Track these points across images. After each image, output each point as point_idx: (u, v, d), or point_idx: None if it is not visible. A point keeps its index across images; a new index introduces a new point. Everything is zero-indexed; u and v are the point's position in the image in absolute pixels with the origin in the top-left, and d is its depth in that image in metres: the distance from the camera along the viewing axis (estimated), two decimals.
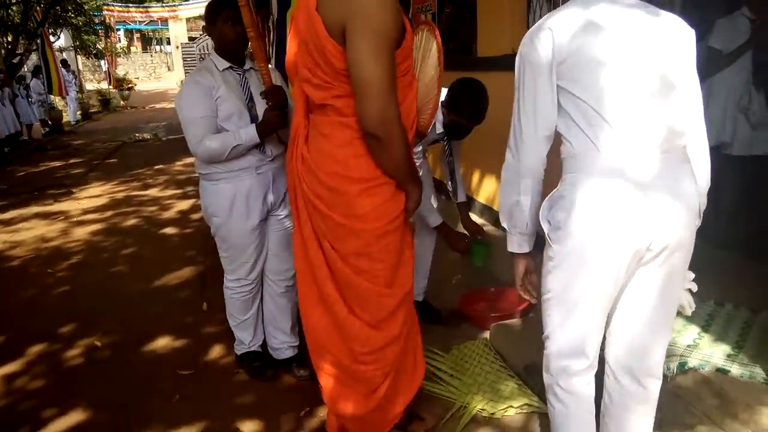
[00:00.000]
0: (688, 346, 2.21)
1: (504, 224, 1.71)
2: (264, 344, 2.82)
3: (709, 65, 3.27)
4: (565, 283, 1.55)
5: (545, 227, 1.58)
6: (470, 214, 4.04)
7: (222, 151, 2.33)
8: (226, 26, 2.35)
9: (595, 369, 1.66)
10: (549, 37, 1.48)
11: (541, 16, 3.35)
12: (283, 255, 2.60)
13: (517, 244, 1.70)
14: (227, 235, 2.52)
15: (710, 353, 2.15)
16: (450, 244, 2.84)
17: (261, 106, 2.40)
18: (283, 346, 2.76)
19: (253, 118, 2.41)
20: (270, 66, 2.42)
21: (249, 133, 2.33)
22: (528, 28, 3.46)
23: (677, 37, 1.52)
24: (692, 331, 2.31)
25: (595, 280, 1.51)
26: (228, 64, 2.42)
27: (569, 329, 1.60)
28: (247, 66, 2.48)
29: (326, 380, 1.96)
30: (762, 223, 3.47)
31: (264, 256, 2.62)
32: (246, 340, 2.77)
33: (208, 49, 24.72)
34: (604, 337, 1.67)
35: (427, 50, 1.96)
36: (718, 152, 3.33)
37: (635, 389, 1.66)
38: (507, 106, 3.37)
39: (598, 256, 1.48)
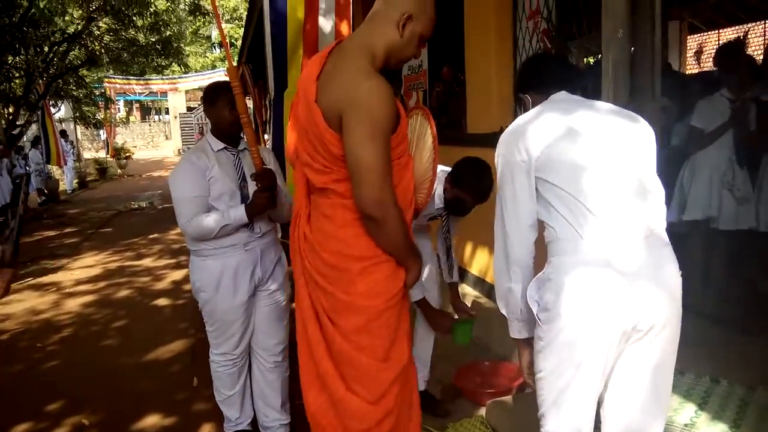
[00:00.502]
0: (686, 425, 2.19)
1: (502, 311, 1.75)
2: (255, 422, 2.76)
3: (692, 143, 3.41)
4: (556, 363, 1.58)
5: (534, 308, 1.61)
6: (464, 284, 4.06)
7: (211, 230, 2.37)
8: (226, 110, 2.42)
9: None
10: (521, 136, 1.59)
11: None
12: (271, 330, 2.61)
13: (517, 330, 1.73)
14: (213, 310, 2.52)
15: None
16: (430, 323, 2.82)
17: (253, 186, 2.44)
18: (274, 424, 2.70)
19: (245, 198, 2.46)
20: (267, 146, 2.50)
21: (238, 214, 2.38)
22: (515, 108, 3.64)
23: (646, 138, 1.63)
24: (689, 410, 2.30)
25: (584, 362, 1.53)
26: (223, 145, 2.49)
27: (563, 409, 1.61)
28: (241, 147, 2.54)
29: None
30: (751, 298, 3.50)
31: (251, 331, 2.61)
32: (233, 417, 2.71)
33: (204, 119, 25.30)
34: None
35: (422, 133, 2.07)
36: (706, 226, 3.41)
37: None
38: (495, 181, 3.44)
39: (586, 338, 1.51)
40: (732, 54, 3.41)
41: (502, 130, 3.63)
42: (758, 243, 3.47)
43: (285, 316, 2.67)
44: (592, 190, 1.53)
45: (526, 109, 1.75)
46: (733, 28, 9.02)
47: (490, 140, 3.54)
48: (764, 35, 7.89)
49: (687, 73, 6.80)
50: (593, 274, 1.50)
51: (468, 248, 4.26)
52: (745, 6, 8.21)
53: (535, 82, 1.76)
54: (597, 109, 1.65)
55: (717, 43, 9.22)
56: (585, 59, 3.75)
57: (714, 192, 3.30)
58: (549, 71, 1.76)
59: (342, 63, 1.69)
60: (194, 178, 2.41)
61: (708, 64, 7.92)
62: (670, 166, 3.85)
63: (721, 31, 9.30)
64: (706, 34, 9.58)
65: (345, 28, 3.36)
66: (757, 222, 3.33)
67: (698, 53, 9.76)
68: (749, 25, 8.63)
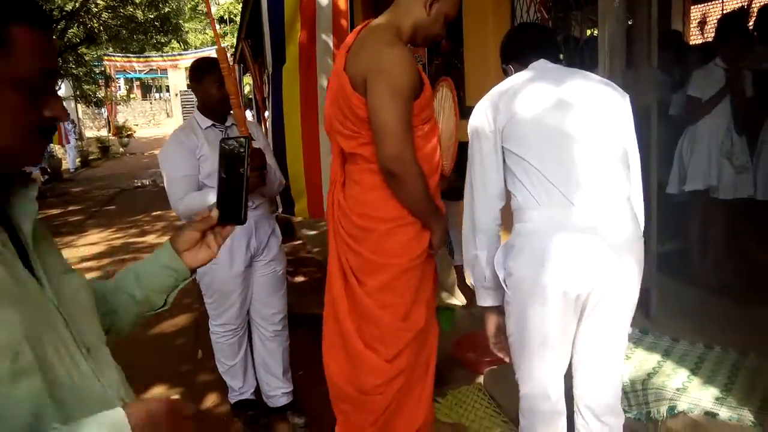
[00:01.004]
0: (678, 389, 2.23)
1: (469, 280, 1.81)
2: (258, 392, 2.82)
3: (690, 113, 3.40)
4: (520, 325, 1.66)
5: (500, 274, 1.68)
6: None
7: (200, 209, 2.35)
8: (213, 87, 2.42)
9: (564, 414, 1.72)
10: (492, 106, 1.64)
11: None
12: (269, 300, 2.67)
13: (483, 298, 1.80)
14: (212, 282, 2.56)
15: (699, 397, 2.17)
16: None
17: None
18: (276, 392, 2.77)
19: None
20: (261, 124, 2.53)
21: None
22: None
23: (614, 102, 1.65)
24: (681, 375, 2.34)
25: (541, 322, 1.60)
26: (210, 122, 2.49)
27: (532, 370, 1.70)
28: (228, 123, 2.54)
29: (337, 415, 2.11)
30: (746, 268, 3.53)
31: (249, 300, 2.66)
32: (236, 387, 2.78)
33: None
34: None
35: (446, 101, 2.26)
36: (706, 196, 3.43)
37: (598, 426, 1.73)
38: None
39: (541, 298, 1.57)
40: (727, 25, 3.40)
41: None
42: (754, 212, 3.48)
43: (282, 286, 2.73)
44: (551, 152, 1.57)
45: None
46: None
47: None
48: None
49: (690, 43, 6.74)
50: (548, 238, 1.55)
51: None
52: None
53: (516, 52, 1.81)
54: (570, 78, 1.67)
55: (721, 12, 9.11)
56: (588, 31, 3.71)
57: (713, 161, 3.31)
58: (528, 40, 1.80)
59: (369, 36, 1.86)
60: (183, 157, 2.43)
61: (711, 35, 7.85)
62: (670, 136, 3.86)
63: (724, 0, 9.18)
64: (710, 3, 9.47)
65: (342, 3, 3.35)
66: (754, 190, 3.34)
67: (702, 23, 9.65)
68: None
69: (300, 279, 4.87)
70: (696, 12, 9.54)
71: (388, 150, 1.76)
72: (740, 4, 8.67)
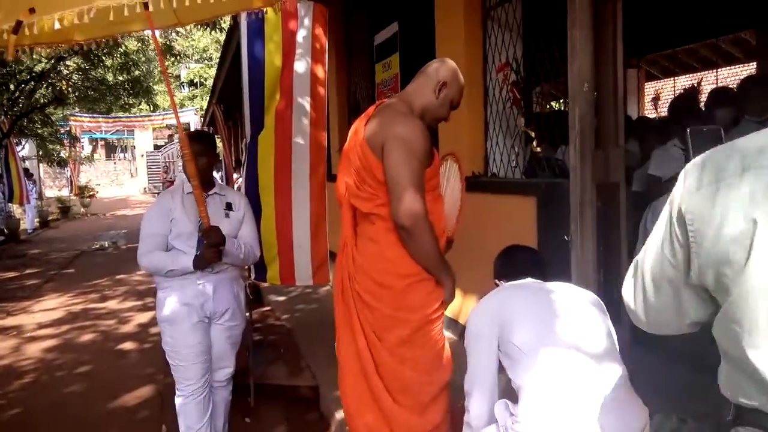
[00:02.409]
0: None
1: None
2: None
3: (651, 190, 3.56)
4: None
5: None
6: (447, 332, 4.08)
7: (160, 269, 2.59)
8: (198, 161, 2.59)
9: None
10: (489, 321, 1.77)
11: (497, 143, 3.62)
12: (222, 355, 2.83)
13: None
14: (171, 339, 2.69)
15: None
16: None
17: (223, 228, 2.63)
18: None
19: (201, 239, 2.62)
20: (239, 188, 2.61)
21: (183, 263, 2.56)
22: (486, 153, 3.76)
23: (599, 316, 1.80)
24: None
25: None
26: (191, 189, 2.63)
27: None
28: (213, 191, 2.73)
29: None
30: (710, 335, 3.61)
31: (210, 359, 2.78)
32: None
33: (173, 158, 25.10)
34: None
35: (452, 172, 2.48)
36: None
37: None
38: (469, 225, 3.53)
39: None
40: (680, 107, 3.63)
41: (473, 175, 3.75)
42: None
43: (237, 346, 2.89)
44: (538, 370, 1.66)
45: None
46: (687, 76, 9.50)
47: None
48: (716, 83, 8.32)
49: (649, 119, 7.11)
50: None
51: None
52: (698, 56, 8.69)
53: (508, 274, 1.98)
54: (555, 292, 1.82)
55: (673, 89, 9.68)
56: (548, 106, 3.91)
57: None
58: (518, 266, 1.97)
59: (386, 110, 2.08)
60: (158, 217, 2.65)
61: (664, 110, 8.31)
62: (634, 209, 4.01)
63: (676, 78, 9.77)
64: (662, 81, 10.06)
65: (320, 72, 3.45)
66: None
67: (655, 99, 10.23)
68: (702, 74, 9.11)
69: (268, 347, 4.75)
70: (649, 89, 10.12)
71: (403, 205, 1.91)
72: (691, 82, 9.24)
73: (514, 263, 1.98)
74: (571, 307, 1.75)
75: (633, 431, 1.69)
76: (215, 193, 2.74)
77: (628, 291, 1.14)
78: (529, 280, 1.92)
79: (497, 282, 2.01)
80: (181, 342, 2.67)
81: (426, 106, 2.12)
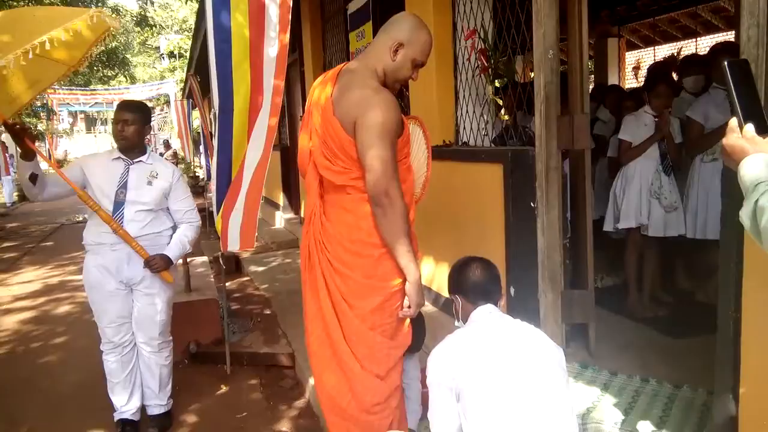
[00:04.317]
0: (615, 423, 2.30)
1: None
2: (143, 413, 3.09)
3: (622, 155, 3.59)
4: None
5: None
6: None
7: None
8: (115, 127, 2.91)
9: None
10: (449, 370, 1.76)
11: (467, 112, 3.62)
12: (146, 325, 2.97)
13: None
14: (92, 301, 2.93)
15: (636, 429, 2.25)
16: None
17: (133, 194, 2.86)
18: (150, 403, 3.09)
19: (118, 204, 2.84)
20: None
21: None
22: (456, 123, 3.75)
23: (554, 362, 1.79)
24: (619, 409, 2.41)
25: None
26: (118, 155, 2.92)
27: None
28: (138, 159, 2.94)
29: (331, 427, 2.20)
30: (680, 302, 3.70)
31: (129, 324, 2.95)
32: (118, 405, 3.00)
33: (154, 130, 24.76)
34: None
35: (416, 137, 2.41)
36: (638, 233, 3.60)
37: None
38: (440, 193, 3.55)
39: None
40: (654, 74, 3.65)
41: (444, 143, 3.74)
42: (686, 249, 3.67)
43: (158, 315, 2.98)
44: (497, 423, 1.66)
45: (456, 311, 1.98)
46: (668, 45, 9.50)
47: (433, 154, 3.65)
48: (696, 52, 8.33)
49: (625, 88, 7.13)
50: None
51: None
52: (679, 25, 8.68)
53: (464, 290, 1.95)
54: (514, 335, 1.82)
55: (653, 58, 9.68)
56: (532, 72, 3.88)
57: (644, 200, 3.49)
58: (475, 282, 1.93)
59: (353, 81, 2.00)
60: (82, 164, 2.94)
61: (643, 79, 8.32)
62: (608, 176, 4.06)
63: (657, 47, 9.76)
64: (643, 50, 10.05)
65: (285, 39, 3.38)
66: (685, 229, 3.52)
67: (636, 68, 10.22)
68: (683, 43, 9.12)
69: (245, 316, 4.78)
70: (630, 58, 10.11)
71: (378, 182, 1.90)
72: (671, 52, 9.25)
73: (470, 284, 1.94)
74: (524, 373, 1.73)
75: None
76: (140, 161, 2.93)
77: None
78: (485, 312, 1.89)
79: (455, 297, 1.98)
80: (98, 306, 2.91)
81: (385, 69, 2.06)
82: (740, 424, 1.84)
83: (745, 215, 1.07)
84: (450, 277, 2.03)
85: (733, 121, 1.17)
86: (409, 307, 2.04)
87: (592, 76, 8.83)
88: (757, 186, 1.06)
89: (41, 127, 19.67)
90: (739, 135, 1.15)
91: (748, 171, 1.10)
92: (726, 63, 1.19)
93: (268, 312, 4.87)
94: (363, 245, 2.03)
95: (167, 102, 22.41)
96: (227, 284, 5.58)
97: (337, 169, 2.03)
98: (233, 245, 3.47)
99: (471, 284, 1.93)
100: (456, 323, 2.00)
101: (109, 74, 16.95)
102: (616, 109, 4.49)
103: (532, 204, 2.87)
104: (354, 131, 1.95)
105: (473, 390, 1.70)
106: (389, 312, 2.06)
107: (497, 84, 3.51)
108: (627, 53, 9.71)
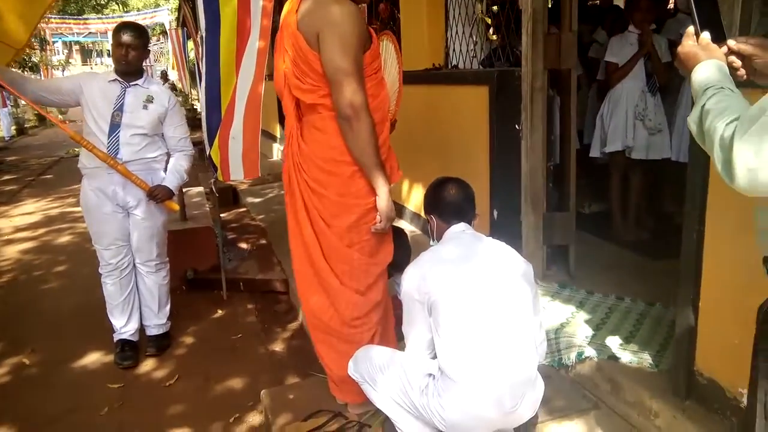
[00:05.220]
0: (586, 337, 2.40)
1: None
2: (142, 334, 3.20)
3: (608, 77, 3.55)
4: None
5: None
6: (402, 220, 4.17)
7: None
8: (115, 49, 2.88)
9: None
10: (422, 285, 1.80)
11: (456, 34, 3.55)
12: (142, 246, 3.05)
13: None
14: (89, 224, 3.01)
15: (605, 343, 2.34)
16: None
17: (129, 117, 2.86)
18: (149, 323, 3.19)
19: (113, 127, 2.85)
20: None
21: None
22: (446, 45, 3.69)
23: (524, 279, 1.84)
24: (591, 324, 2.50)
25: None
26: (115, 77, 2.90)
27: None
28: (135, 82, 2.91)
29: (322, 347, 2.29)
30: (662, 225, 3.74)
31: (126, 247, 3.03)
32: (117, 326, 3.10)
33: (150, 61, 24.24)
34: None
35: (389, 52, 2.45)
36: (623, 156, 3.60)
37: None
38: (428, 117, 3.55)
39: None
40: None
41: (434, 67, 3.70)
42: (671, 172, 3.67)
43: (154, 237, 3.07)
44: (466, 331, 1.73)
45: (431, 230, 2.03)
46: None
47: (422, 77, 3.62)
48: None
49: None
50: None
51: (405, 185, 4.37)
52: None
53: (438, 209, 1.98)
54: (484, 251, 1.87)
55: None
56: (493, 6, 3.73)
57: (629, 123, 3.47)
58: (449, 202, 1.96)
59: None
60: (81, 79, 2.97)
61: None
62: (598, 99, 4.01)
63: None
64: None
65: None
66: (670, 152, 3.52)
67: None
68: None
69: (242, 245, 4.87)
70: None
71: (343, 96, 1.91)
72: None
73: (444, 203, 1.98)
74: (494, 284, 1.79)
75: (530, 379, 1.81)
76: (137, 84, 2.91)
77: (753, 144, 0.93)
78: (458, 230, 1.94)
79: (429, 217, 2.03)
80: (95, 228, 2.98)
81: None
82: (698, 335, 1.92)
83: (692, 120, 1.08)
84: (425, 198, 2.07)
85: (691, 29, 1.17)
86: (381, 221, 2.07)
87: None
88: (705, 90, 1.07)
89: (35, 58, 19.29)
90: (695, 42, 1.15)
91: (698, 76, 1.11)
92: None
93: (264, 241, 4.95)
94: (335, 164, 2.05)
95: (163, 32, 21.86)
96: (225, 215, 5.66)
97: (306, 88, 2.03)
98: (237, 174, 3.50)
99: (445, 204, 1.97)
100: (431, 242, 2.05)
101: (102, 2, 16.43)
102: (613, 30, 4.36)
103: (516, 126, 2.87)
104: (317, 45, 1.94)
105: (443, 303, 1.76)
106: (366, 229, 2.10)
107: (494, 9, 3.41)
108: None
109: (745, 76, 1.18)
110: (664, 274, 2.97)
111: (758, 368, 1.08)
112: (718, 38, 1.16)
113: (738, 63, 1.16)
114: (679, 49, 1.18)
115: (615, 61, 3.46)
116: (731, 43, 1.15)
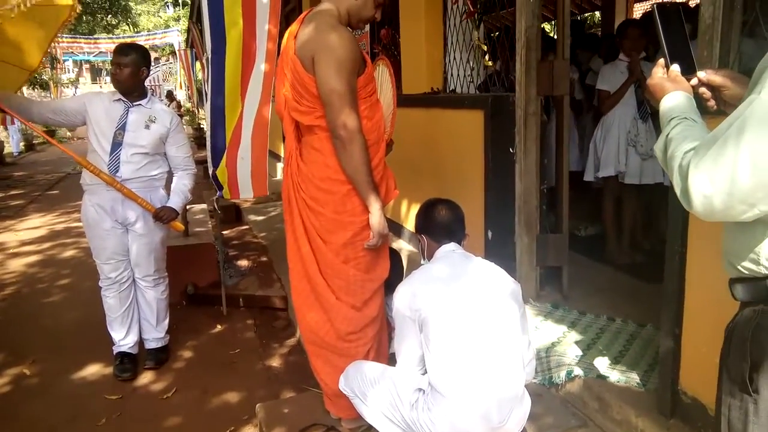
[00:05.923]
0: (576, 356, 2.44)
1: None
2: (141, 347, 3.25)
3: (601, 105, 3.64)
4: None
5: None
6: (400, 240, 4.23)
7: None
8: (111, 68, 2.97)
9: None
10: (414, 303, 1.86)
11: (455, 60, 3.65)
12: (141, 262, 3.11)
13: None
14: (90, 238, 3.07)
15: (595, 363, 2.39)
16: None
17: (131, 137, 2.94)
18: (148, 337, 3.24)
19: (115, 145, 2.93)
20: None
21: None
22: (445, 70, 3.79)
23: (512, 299, 1.90)
24: (582, 344, 2.55)
25: None
26: (119, 97, 2.98)
27: None
28: (138, 102, 3.00)
29: (317, 362, 2.33)
30: (656, 248, 3.79)
31: (126, 262, 3.09)
32: (117, 339, 3.16)
33: (158, 81, 24.61)
34: None
35: (384, 78, 2.56)
36: (616, 181, 3.67)
37: None
38: (426, 140, 3.63)
39: None
40: (624, 23, 3.66)
41: (432, 91, 3.79)
42: (665, 197, 3.72)
43: (152, 253, 3.13)
44: (456, 352, 1.79)
45: (422, 249, 2.10)
46: None
47: (421, 101, 3.70)
48: None
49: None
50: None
51: (403, 205, 4.44)
52: None
53: (429, 230, 2.05)
54: (473, 270, 1.92)
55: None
56: (491, 34, 3.84)
57: (621, 148, 3.54)
58: (440, 223, 2.03)
59: (314, 21, 2.08)
60: (85, 99, 3.05)
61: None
62: (593, 125, 4.08)
63: None
64: (651, 1, 9.85)
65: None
66: (663, 177, 3.57)
67: None
68: None
69: (244, 262, 4.94)
70: (638, 9, 9.92)
71: (336, 116, 1.98)
72: (679, 1, 9.07)
73: (435, 224, 2.04)
74: (483, 302, 1.85)
75: (517, 396, 1.85)
76: (140, 104, 3.00)
77: (707, 171, 0.96)
78: (448, 249, 2.00)
79: (421, 236, 2.09)
80: (95, 243, 3.05)
81: (349, 10, 2.14)
82: (682, 355, 1.96)
83: (658, 149, 1.15)
84: (417, 218, 2.14)
85: (661, 61, 1.24)
86: (373, 237, 2.12)
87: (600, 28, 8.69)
88: (670, 120, 1.14)
89: (45, 76, 19.55)
90: (665, 74, 1.23)
91: (665, 106, 1.18)
92: (656, 7, 1.25)
93: (265, 259, 5.01)
94: (332, 182, 2.12)
95: (173, 52, 22.21)
96: (227, 232, 5.73)
97: (303, 109, 2.11)
98: (245, 192, 3.60)
99: (435, 224, 2.04)
100: (422, 261, 2.11)
101: (113, 22, 16.71)
102: (607, 58, 4.48)
103: (510, 149, 2.95)
104: (313, 68, 2.01)
105: (434, 320, 1.82)
106: (361, 246, 2.16)
107: (494, 36, 3.51)
108: (636, 4, 9.53)
109: (714, 107, 1.25)
110: (656, 296, 2.98)
111: (722, 385, 1.13)
112: (689, 70, 1.23)
113: (708, 94, 1.23)
114: (649, 80, 1.25)
115: (606, 88, 3.56)
116: (701, 74, 1.22)
